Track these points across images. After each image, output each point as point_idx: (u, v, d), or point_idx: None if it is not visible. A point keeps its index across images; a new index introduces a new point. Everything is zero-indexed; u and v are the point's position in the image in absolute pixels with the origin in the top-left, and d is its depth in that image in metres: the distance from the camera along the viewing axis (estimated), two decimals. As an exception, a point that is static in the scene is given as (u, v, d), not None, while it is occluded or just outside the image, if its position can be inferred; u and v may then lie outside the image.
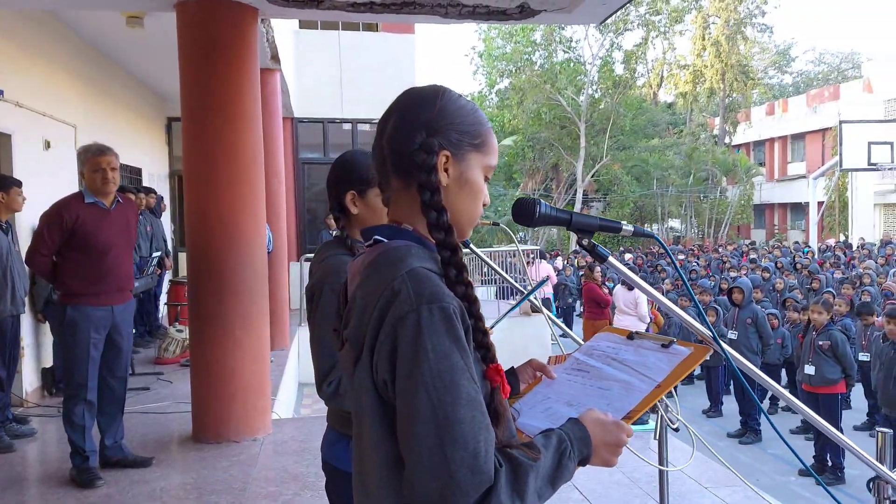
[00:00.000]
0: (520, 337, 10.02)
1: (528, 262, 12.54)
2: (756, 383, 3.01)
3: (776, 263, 13.88)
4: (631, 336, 1.46)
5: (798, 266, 14.30)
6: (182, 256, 10.30)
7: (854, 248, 18.33)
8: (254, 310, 4.95)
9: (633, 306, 9.24)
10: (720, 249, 20.93)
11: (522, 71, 30.33)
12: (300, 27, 12.34)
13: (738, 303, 7.74)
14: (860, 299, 9.12)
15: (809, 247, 18.55)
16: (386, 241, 1.21)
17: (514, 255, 14.45)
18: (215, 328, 4.81)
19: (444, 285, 1.11)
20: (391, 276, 1.11)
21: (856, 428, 7.70)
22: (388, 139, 1.22)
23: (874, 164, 16.97)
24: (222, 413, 4.85)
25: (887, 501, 1.42)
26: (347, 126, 12.74)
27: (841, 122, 17.79)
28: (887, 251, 16.21)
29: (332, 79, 12.30)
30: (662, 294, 8.21)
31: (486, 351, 1.11)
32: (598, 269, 9.99)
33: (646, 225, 36.02)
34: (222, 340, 4.80)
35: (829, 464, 6.31)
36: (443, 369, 1.04)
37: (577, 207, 29.06)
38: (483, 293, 13.84)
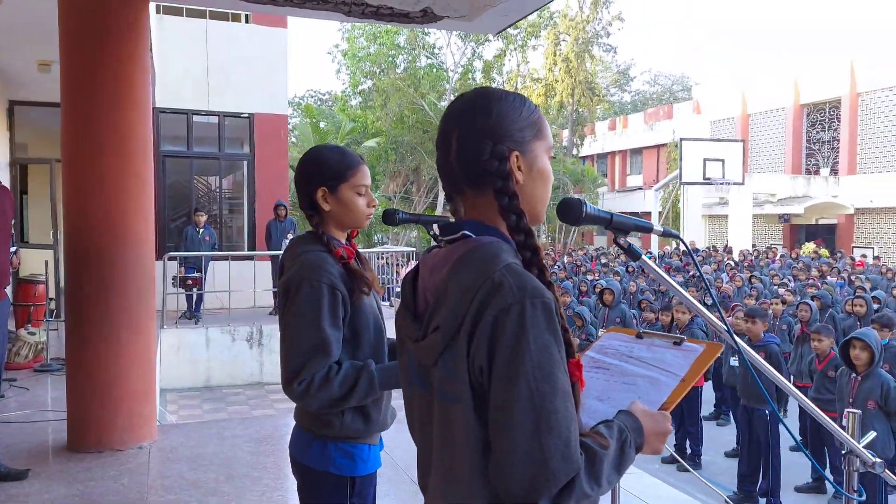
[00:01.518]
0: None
1: (400, 265, 12.63)
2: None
3: (627, 268, 14.91)
4: (640, 335, 1.56)
5: (645, 270, 15.50)
6: (28, 252, 9.41)
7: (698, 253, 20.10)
8: (142, 311, 4.66)
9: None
10: (572, 254, 22.14)
11: (386, 73, 30.43)
12: (162, 12, 11.64)
13: (609, 303, 8.27)
14: (703, 300, 10.07)
15: (651, 253, 20.13)
16: (474, 236, 1.23)
17: (382, 257, 14.55)
18: (99, 331, 4.47)
19: (539, 281, 1.15)
20: (489, 269, 1.14)
21: (705, 418, 8.47)
22: (456, 155, 1.24)
23: (708, 179, 18.74)
24: (105, 420, 4.51)
25: (856, 472, 1.64)
26: (214, 119, 12.19)
27: (681, 140, 19.48)
28: (717, 257, 17.97)
29: (198, 69, 11.73)
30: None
31: (568, 346, 1.16)
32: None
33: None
34: (107, 344, 4.48)
35: (689, 451, 6.92)
36: (543, 361, 1.09)
37: (439, 210, 29.56)
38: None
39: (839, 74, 25.40)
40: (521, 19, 5.50)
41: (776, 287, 12.17)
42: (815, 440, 6.09)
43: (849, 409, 1.77)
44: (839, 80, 25.42)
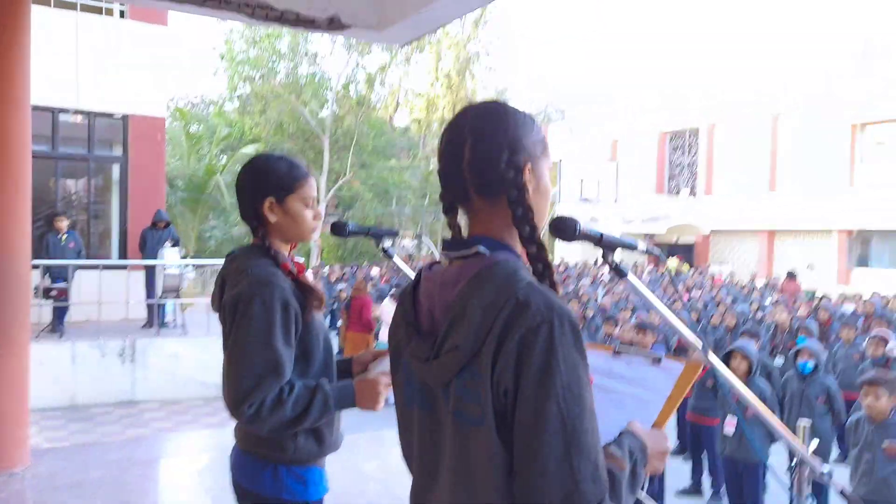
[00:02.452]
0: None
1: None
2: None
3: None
4: (617, 351, 1.56)
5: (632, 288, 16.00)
6: None
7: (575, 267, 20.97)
8: (15, 326, 4.23)
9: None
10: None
11: (266, 79, 29.67)
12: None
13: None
14: (583, 314, 10.49)
15: (531, 267, 20.82)
16: (488, 252, 1.20)
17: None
18: (-36, 347, 4.01)
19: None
20: (512, 288, 1.12)
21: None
22: (469, 163, 1.22)
23: (585, 198, 19.65)
24: (-31, 447, 4.06)
25: (806, 481, 1.73)
26: (83, 118, 11.35)
27: (560, 161, 20.34)
28: (592, 272, 18.84)
29: (67, 65, 10.88)
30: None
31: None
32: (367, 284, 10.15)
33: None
34: (-26, 362, 4.02)
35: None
36: (572, 381, 1.07)
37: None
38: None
39: (698, 104, 27.46)
40: (429, 32, 5.53)
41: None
42: (694, 446, 6.46)
43: (801, 420, 1.87)
44: (698, 109, 27.48)
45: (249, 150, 28.57)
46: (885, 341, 6.41)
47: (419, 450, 1.28)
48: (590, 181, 19.47)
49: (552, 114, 51.39)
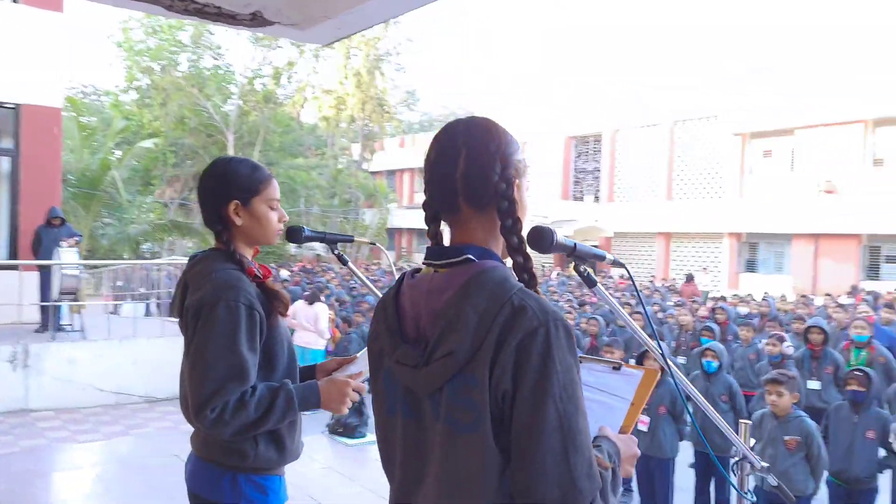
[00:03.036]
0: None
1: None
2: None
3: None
4: (579, 359, 1.60)
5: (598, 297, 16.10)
6: None
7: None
8: None
9: (314, 321, 9.33)
10: (368, 268, 22.31)
11: (167, 71, 28.44)
12: None
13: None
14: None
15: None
16: (476, 260, 1.23)
17: (160, 269, 13.52)
18: None
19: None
20: (505, 293, 1.15)
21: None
22: (462, 174, 1.25)
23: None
24: None
25: (748, 476, 1.83)
26: (-33, 107, 10.51)
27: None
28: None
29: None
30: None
31: None
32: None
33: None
34: None
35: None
36: (567, 382, 1.12)
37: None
38: (131, 310, 12.58)
39: (602, 111, 28.48)
40: (354, 33, 5.46)
41: (559, 302, 13.26)
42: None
43: (742, 421, 1.99)
44: (602, 115, 28.50)
45: (148, 145, 27.32)
46: (781, 340, 6.86)
47: (402, 457, 1.28)
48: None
49: (461, 115, 52.11)
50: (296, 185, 30.84)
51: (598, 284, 1.45)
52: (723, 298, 12.27)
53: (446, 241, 1.33)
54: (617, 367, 1.53)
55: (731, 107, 23.69)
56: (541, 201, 27.84)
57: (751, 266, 23.96)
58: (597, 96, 29.13)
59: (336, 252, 2.25)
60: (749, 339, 7.64)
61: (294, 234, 2.14)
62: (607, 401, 1.47)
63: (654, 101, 26.51)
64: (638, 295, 1.59)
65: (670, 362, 1.55)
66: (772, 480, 1.89)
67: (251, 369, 1.77)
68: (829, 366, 6.64)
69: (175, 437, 6.60)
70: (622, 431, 1.41)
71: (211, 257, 1.89)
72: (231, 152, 27.75)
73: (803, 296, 15.55)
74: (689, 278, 17.10)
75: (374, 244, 2.38)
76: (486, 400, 1.13)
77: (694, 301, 12.92)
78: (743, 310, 11.34)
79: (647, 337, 1.60)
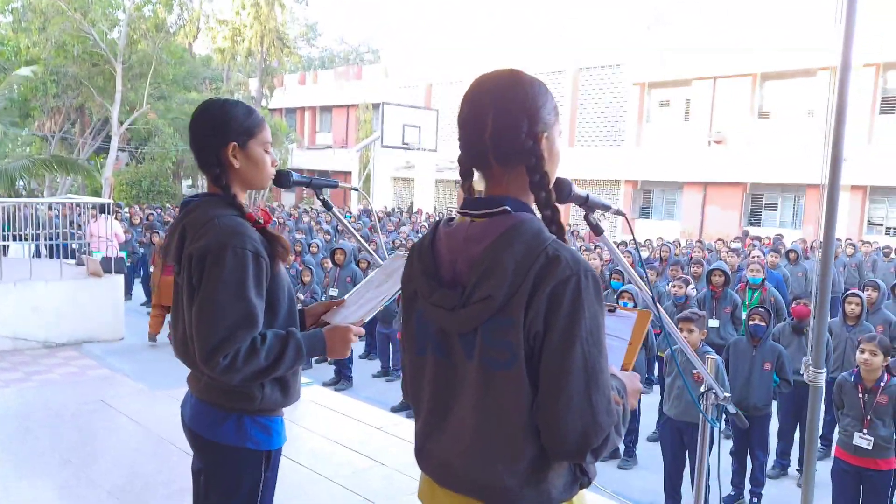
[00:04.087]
0: (89, 301, 8.93)
1: (93, 218, 11.14)
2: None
3: (337, 227, 15.17)
4: None
5: (340, 228, 15.95)
6: None
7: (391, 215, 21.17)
8: None
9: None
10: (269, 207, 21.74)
11: (45, -9, 25.98)
12: None
13: (340, 263, 8.40)
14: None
15: (351, 212, 20.75)
16: (513, 211, 1.29)
17: (50, 208, 12.69)
18: None
19: None
20: (541, 244, 1.24)
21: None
22: (491, 134, 1.30)
23: (406, 144, 19.83)
24: None
25: (713, 406, 1.99)
26: None
27: (383, 104, 20.25)
28: (413, 219, 19.16)
29: None
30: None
31: None
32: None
33: (185, 182, 34.91)
34: None
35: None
36: (593, 327, 1.22)
37: (112, 157, 26.50)
38: (19, 250, 11.77)
39: (508, 54, 28.54)
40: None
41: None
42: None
43: (709, 356, 2.14)
44: (507, 60, 28.57)
45: (26, 73, 25.11)
46: (687, 283, 7.30)
47: (431, 393, 1.37)
48: (413, 127, 19.66)
49: (366, 55, 50.74)
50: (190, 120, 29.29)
51: (604, 234, 1.53)
52: (624, 244, 12.86)
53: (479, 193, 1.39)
54: (612, 310, 1.63)
55: (633, 56, 24.35)
56: (446, 146, 27.88)
57: (645, 212, 25.13)
58: (503, 41, 29.11)
59: (321, 198, 2.25)
60: (653, 281, 8.09)
61: (282, 178, 2.09)
62: (608, 342, 1.56)
63: (558, 49, 26.84)
64: (636, 244, 1.68)
65: (659, 307, 1.66)
66: (731, 408, 2.06)
67: (260, 316, 1.78)
68: (728, 306, 7.16)
69: (93, 384, 6.34)
70: (623, 368, 1.53)
71: (209, 203, 1.86)
72: (119, 83, 25.93)
73: (699, 241, 16.50)
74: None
75: (357, 189, 2.36)
76: (520, 341, 1.23)
77: (597, 246, 13.47)
78: (644, 254, 11.94)
79: (643, 283, 1.69)
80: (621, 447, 6.11)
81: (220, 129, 1.86)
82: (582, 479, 1.34)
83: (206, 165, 1.90)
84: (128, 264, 12.07)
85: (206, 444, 1.89)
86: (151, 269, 10.88)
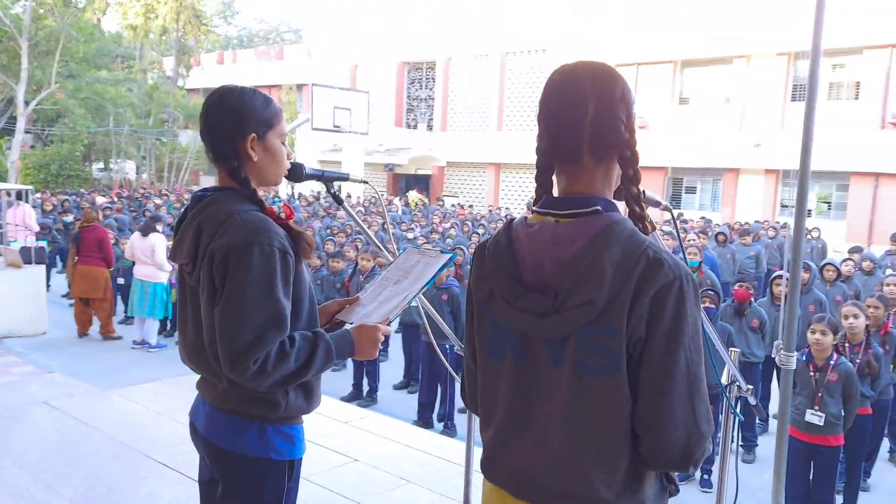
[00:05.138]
0: (8, 294, 8.39)
1: (8, 205, 10.41)
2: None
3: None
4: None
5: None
6: None
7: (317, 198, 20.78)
8: None
9: (150, 254, 8.69)
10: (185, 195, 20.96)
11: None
12: None
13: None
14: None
15: (279, 197, 20.25)
16: (604, 211, 1.25)
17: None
18: None
19: None
20: (638, 247, 1.19)
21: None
22: (591, 123, 1.25)
23: (337, 126, 19.43)
24: None
25: (735, 398, 2.00)
26: None
27: (313, 86, 19.74)
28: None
29: None
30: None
31: None
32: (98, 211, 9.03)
33: (95, 164, 33.18)
34: None
35: (367, 388, 7.32)
36: (694, 333, 1.19)
37: (18, 139, 24.87)
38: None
39: (435, 38, 28.39)
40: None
41: (404, 232, 13.39)
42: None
43: (731, 349, 2.16)
44: (435, 43, 28.43)
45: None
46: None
47: (507, 399, 1.31)
48: (344, 109, 19.26)
49: (286, 34, 49.39)
50: (104, 101, 27.86)
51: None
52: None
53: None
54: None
55: (560, 41, 24.66)
56: (375, 128, 27.55)
57: (571, 195, 25.61)
58: (430, 22, 28.88)
59: (332, 191, 2.14)
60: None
61: (295, 171, 1.97)
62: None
63: (486, 32, 26.89)
64: (676, 232, 1.69)
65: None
66: (751, 400, 2.08)
67: (288, 316, 1.67)
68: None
69: (27, 382, 5.93)
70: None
71: (226, 197, 1.73)
72: (25, 61, 24.30)
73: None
74: (529, 208, 17.97)
75: (367, 182, 2.25)
76: (622, 347, 1.18)
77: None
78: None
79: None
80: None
81: (239, 120, 1.75)
82: (669, 486, 1.31)
83: (223, 158, 1.77)
84: (48, 252, 11.37)
85: (226, 455, 1.78)
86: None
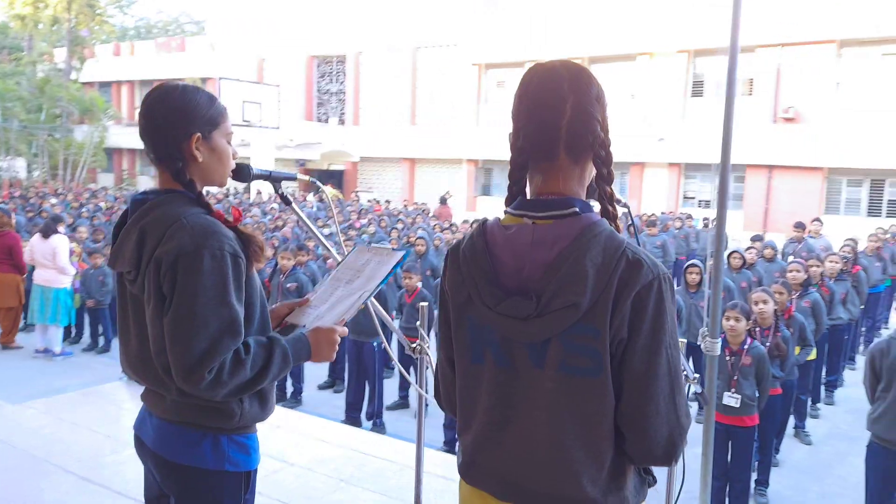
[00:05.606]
0: None
1: None
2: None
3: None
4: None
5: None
6: None
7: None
8: None
9: (52, 258, 8.19)
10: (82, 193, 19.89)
11: None
12: None
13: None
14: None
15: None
16: (581, 212, 1.26)
17: None
18: None
19: None
20: (617, 247, 1.20)
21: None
22: (570, 121, 1.26)
23: (247, 121, 18.88)
24: None
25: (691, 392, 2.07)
26: None
27: (221, 79, 19.09)
28: (259, 200, 18.36)
29: None
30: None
31: None
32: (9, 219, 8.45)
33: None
34: None
35: (292, 390, 7.16)
36: (673, 330, 1.22)
37: None
38: None
39: (345, 31, 28.02)
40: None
41: (320, 229, 13.17)
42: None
43: (680, 339, 2.22)
44: (345, 36, 28.06)
45: None
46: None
47: (489, 403, 1.31)
48: (253, 103, 18.73)
49: (187, 25, 47.48)
50: (-11, 95, 26.00)
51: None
52: (478, 221, 13.21)
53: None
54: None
55: (470, 37, 24.85)
56: (284, 122, 26.93)
57: (486, 190, 25.91)
58: (339, 15, 28.48)
59: (280, 192, 2.07)
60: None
61: (242, 172, 1.89)
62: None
63: (396, 26, 26.76)
64: (635, 229, 1.72)
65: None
66: (696, 388, 2.16)
67: (242, 323, 1.60)
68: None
69: None
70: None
71: (170, 201, 1.65)
72: None
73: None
74: (444, 201, 18.11)
75: (314, 181, 2.20)
76: (606, 347, 1.19)
77: (452, 224, 13.73)
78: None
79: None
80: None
81: (184, 119, 1.67)
82: (647, 478, 1.34)
83: (166, 159, 1.69)
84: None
85: (178, 470, 1.69)
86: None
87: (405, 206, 20.58)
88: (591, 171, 1.32)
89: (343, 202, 19.98)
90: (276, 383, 1.84)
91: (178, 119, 1.66)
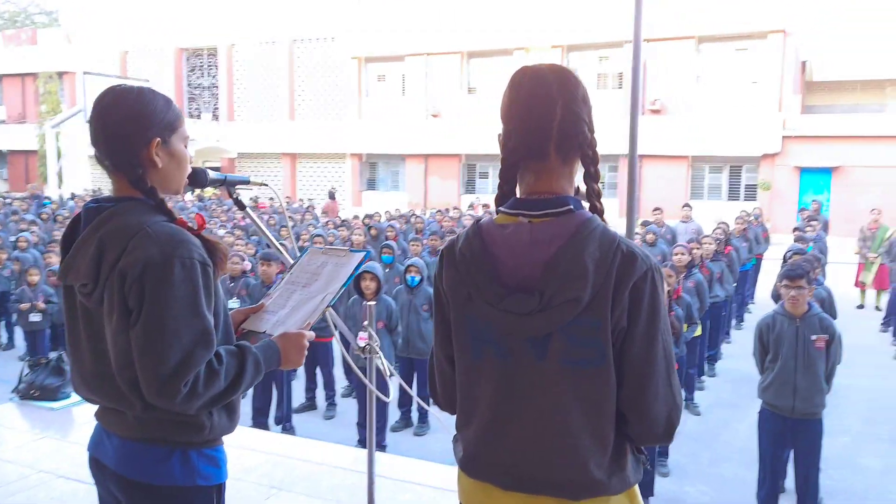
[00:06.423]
0: None
1: None
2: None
3: (42, 215, 13.19)
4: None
5: (43, 216, 13.96)
6: None
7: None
8: None
9: None
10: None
11: None
12: None
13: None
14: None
15: (50, 198, 18.10)
16: (575, 210, 1.32)
17: None
18: None
19: None
20: (612, 242, 1.27)
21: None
22: (560, 124, 1.31)
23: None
24: None
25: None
26: None
27: (85, 73, 17.79)
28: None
29: None
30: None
31: None
32: None
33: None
34: None
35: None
36: (665, 316, 1.31)
37: None
38: None
39: (216, 23, 26.91)
40: None
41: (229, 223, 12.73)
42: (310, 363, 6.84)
43: None
44: (216, 28, 26.95)
45: None
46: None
47: (492, 398, 1.35)
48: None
49: (37, 16, 43.82)
50: None
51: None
52: (369, 217, 13.14)
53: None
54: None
55: (348, 30, 24.58)
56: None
57: (371, 184, 25.79)
58: (208, 5, 27.30)
59: (235, 196, 2.01)
60: (419, 252, 8.44)
61: (198, 177, 1.83)
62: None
63: (271, 18, 26.02)
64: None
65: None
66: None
67: (214, 333, 1.56)
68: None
69: None
70: None
71: (130, 209, 1.58)
72: None
73: (440, 210, 17.27)
74: (332, 196, 17.90)
75: (266, 185, 2.15)
76: (608, 337, 1.26)
77: (345, 220, 13.59)
78: (397, 224, 12.32)
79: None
80: (415, 417, 6.40)
81: (142, 124, 1.60)
82: (640, 457, 1.41)
83: (124, 166, 1.60)
84: None
85: (147, 490, 1.61)
86: None
87: (288, 202, 20.09)
88: (577, 170, 1.38)
89: (223, 201, 19.25)
90: (242, 395, 1.79)
91: (136, 124, 1.59)
